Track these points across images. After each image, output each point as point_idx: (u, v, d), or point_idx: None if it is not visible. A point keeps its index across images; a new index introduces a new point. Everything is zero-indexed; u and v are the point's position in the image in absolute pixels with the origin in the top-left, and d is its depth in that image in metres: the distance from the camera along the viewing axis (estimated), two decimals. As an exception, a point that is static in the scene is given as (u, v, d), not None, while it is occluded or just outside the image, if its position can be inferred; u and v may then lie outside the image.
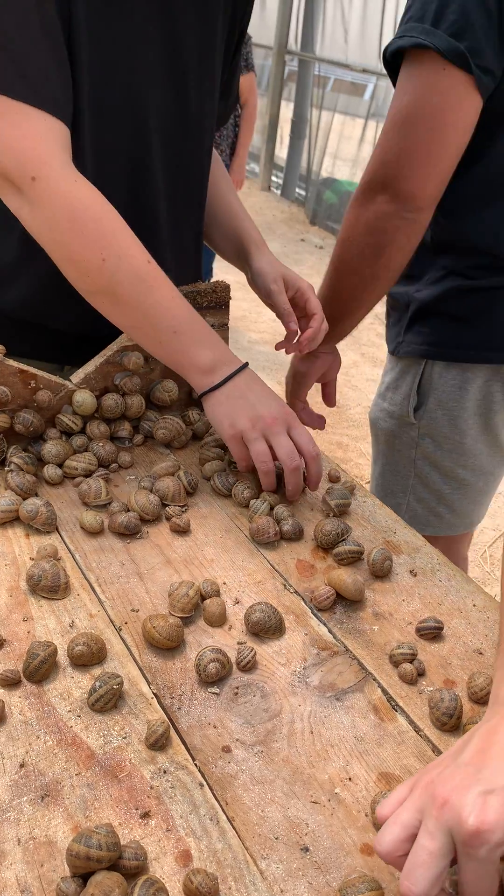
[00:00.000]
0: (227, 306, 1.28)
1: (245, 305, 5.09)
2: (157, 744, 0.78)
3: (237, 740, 0.80)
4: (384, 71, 1.24)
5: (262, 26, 7.43)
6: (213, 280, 1.26)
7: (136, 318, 1.11)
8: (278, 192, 7.96)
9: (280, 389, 4.09)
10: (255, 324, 4.86)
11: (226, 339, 1.32)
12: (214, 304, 1.27)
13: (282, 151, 7.93)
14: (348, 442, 3.75)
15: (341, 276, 1.40)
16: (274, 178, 8.10)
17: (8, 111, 1.01)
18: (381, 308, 1.54)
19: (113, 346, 1.22)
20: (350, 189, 6.63)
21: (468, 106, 1.14)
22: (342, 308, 1.43)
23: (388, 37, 6.21)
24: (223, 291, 1.26)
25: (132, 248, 1.08)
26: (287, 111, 7.72)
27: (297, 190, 7.76)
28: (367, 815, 0.75)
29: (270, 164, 8.05)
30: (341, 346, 1.56)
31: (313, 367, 1.52)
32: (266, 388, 1.14)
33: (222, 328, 1.30)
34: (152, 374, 1.27)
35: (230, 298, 1.28)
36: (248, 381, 1.13)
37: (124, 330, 1.16)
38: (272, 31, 7.42)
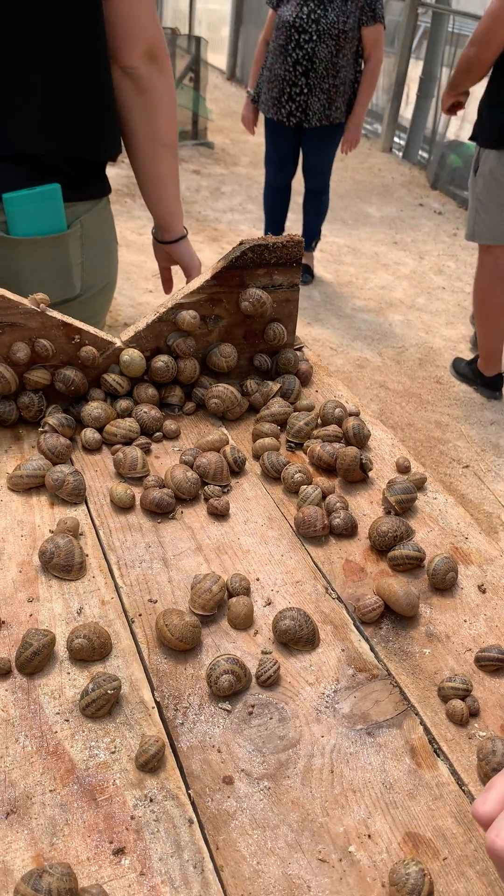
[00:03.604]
0: (299, 264, 1.14)
1: (352, 271, 4.88)
2: (148, 765, 0.67)
3: (242, 770, 0.69)
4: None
5: (396, -24, 7.02)
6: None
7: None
8: (400, 153, 7.59)
9: (380, 360, 3.90)
10: (360, 290, 4.65)
11: (295, 301, 1.18)
12: (284, 261, 1.13)
13: (407, 112, 7.54)
14: (448, 422, 3.52)
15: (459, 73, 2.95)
16: (396, 140, 7.72)
17: None
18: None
19: (167, 303, 1.10)
20: (476, 152, 6.23)
21: None
22: (459, 78, 2.98)
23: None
24: (295, 247, 1.12)
25: None
26: (416, 70, 7.31)
27: (420, 152, 7.38)
28: (383, 886, 0.62)
29: (394, 124, 7.67)
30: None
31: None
32: None
33: (292, 288, 1.16)
34: (209, 337, 1.15)
35: (301, 256, 1.13)
36: None
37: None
38: (407, -19, 7.00)
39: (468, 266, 5.19)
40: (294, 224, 4.86)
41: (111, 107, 1.33)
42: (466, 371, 3.79)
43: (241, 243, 1.10)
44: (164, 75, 1.36)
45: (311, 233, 4.48)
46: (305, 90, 3.79)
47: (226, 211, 5.66)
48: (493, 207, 3.11)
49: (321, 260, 4.96)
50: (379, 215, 6.01)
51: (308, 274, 4.60)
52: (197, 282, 1.11)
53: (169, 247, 1.55)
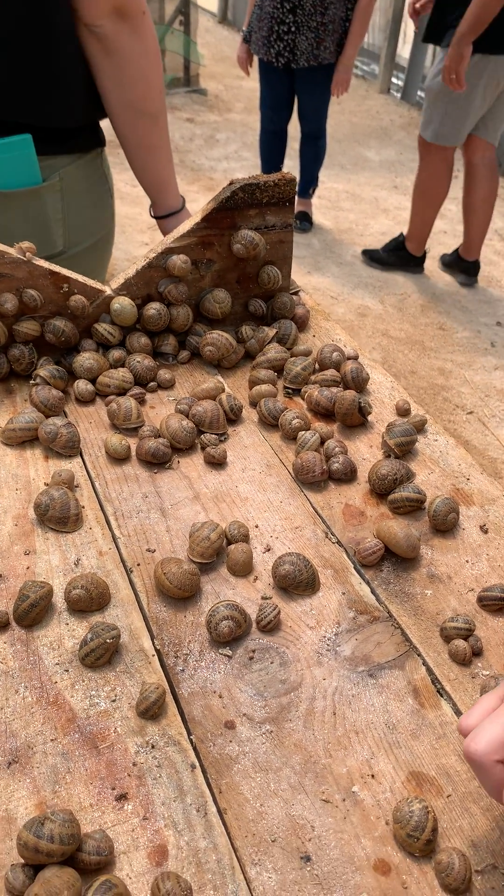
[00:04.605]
0: (292, 203, 1.10)
1: (352, 217, 4.78)
2: (149, 712, 0.67)
3: (244, 715, 0.68)
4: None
5: None
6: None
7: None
8: (398, 94, 7.39)
9: (382, 308, 3.84)
10: (360, 237, 4.57)
11: (289, 242, 1.14)
12: (276, 201, 1.09)
13: (404, 51, 7.31)
14: (452, 368, 3.48)
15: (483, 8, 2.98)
16: (394, 80, 7.51)
17: None
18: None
19: (157, 248, 1.07)
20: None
21: None
22: (479, 26, 3.02)
23: None
24: (287, 185, 1.08)
25: None
26: (414, 4, 7.07)
27: (419, 93, 7.17)
28: (386, 824, 0.62)
29: (391, 64, 7.45)
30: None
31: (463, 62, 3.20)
32: None
33: (285, 229, 1.12)
34: (202, 282, 1.12)
35: (294, 194, 1.09)
36: None
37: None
38: None
39: (470, 209, 5.08)
40: (291, 170, 4.75)
41: (73, 72, 1.22)
42: (392, 259, 4.17)
43: (231, 183, 1.06)
44: (138, 35, 1.22)
45: (309, 179, 4.38)
46: (293, 28, 3.66)
47: (221, 159, 5.54)
48: (467, 112, 3.47)
49: (319, 206, 4.86)
50: (378, 159, 5.87)
51: (306, 221, 4.51)
52: (186, 225, 1.07)
53: (161, 222, 1.45)
